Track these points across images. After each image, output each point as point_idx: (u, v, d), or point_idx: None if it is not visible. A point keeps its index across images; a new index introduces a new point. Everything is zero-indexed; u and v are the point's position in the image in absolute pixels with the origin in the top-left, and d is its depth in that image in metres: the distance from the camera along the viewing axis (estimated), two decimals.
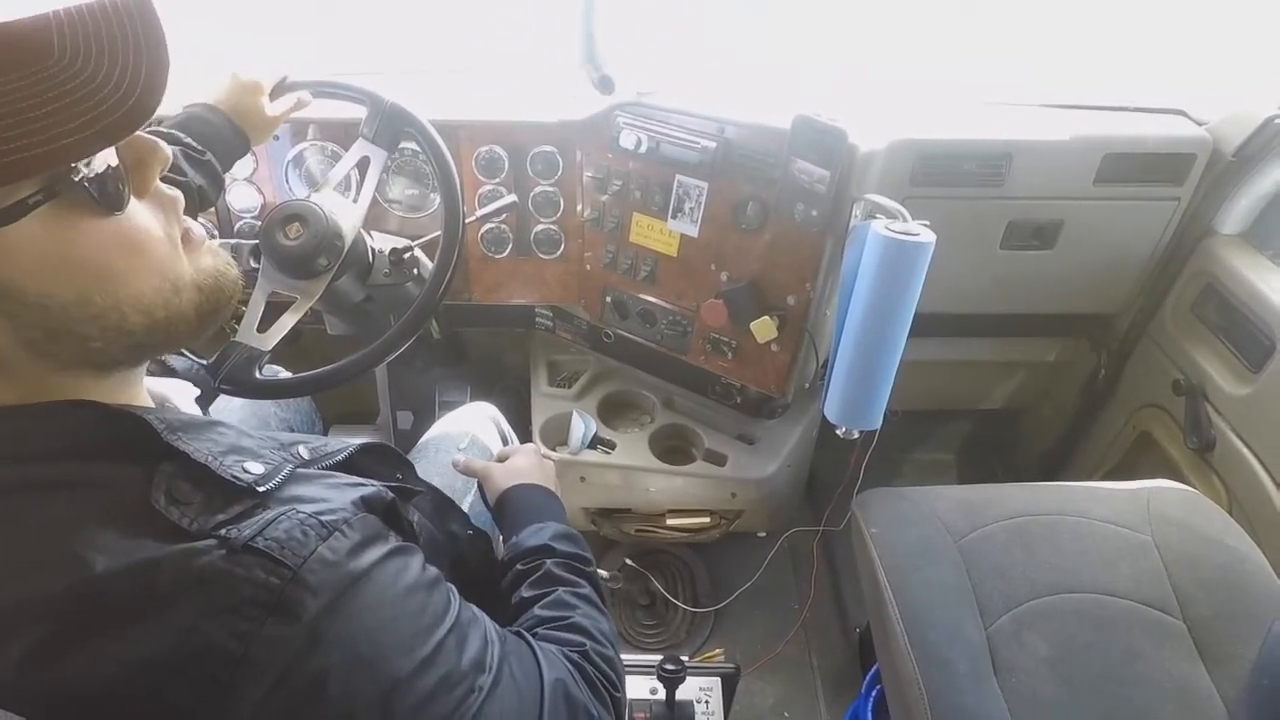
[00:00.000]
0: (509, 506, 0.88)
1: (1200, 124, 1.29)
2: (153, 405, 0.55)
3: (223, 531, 0.45)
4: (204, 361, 0.96)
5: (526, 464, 0.94)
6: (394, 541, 0.54)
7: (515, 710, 0.55)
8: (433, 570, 0.56)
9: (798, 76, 1.47)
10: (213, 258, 0.54)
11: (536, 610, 0.71)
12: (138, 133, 0.44)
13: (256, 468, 0.50)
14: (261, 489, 0.49)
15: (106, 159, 0.45)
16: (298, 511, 0.48)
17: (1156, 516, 1.09)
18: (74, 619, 0.43)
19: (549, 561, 0.77)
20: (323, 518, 0.48)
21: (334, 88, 1.05)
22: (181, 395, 0.65)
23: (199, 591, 0.43)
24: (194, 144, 0.94)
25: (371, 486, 0.56)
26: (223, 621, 0.43)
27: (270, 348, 0.96)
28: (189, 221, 0.53)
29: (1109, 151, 1.23)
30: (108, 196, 0.45)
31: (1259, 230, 1.31)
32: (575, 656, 0.65)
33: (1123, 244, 1.36)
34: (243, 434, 0.54)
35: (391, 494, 0.57)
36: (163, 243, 0.50)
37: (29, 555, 0.44)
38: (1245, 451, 1.24)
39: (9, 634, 0.42)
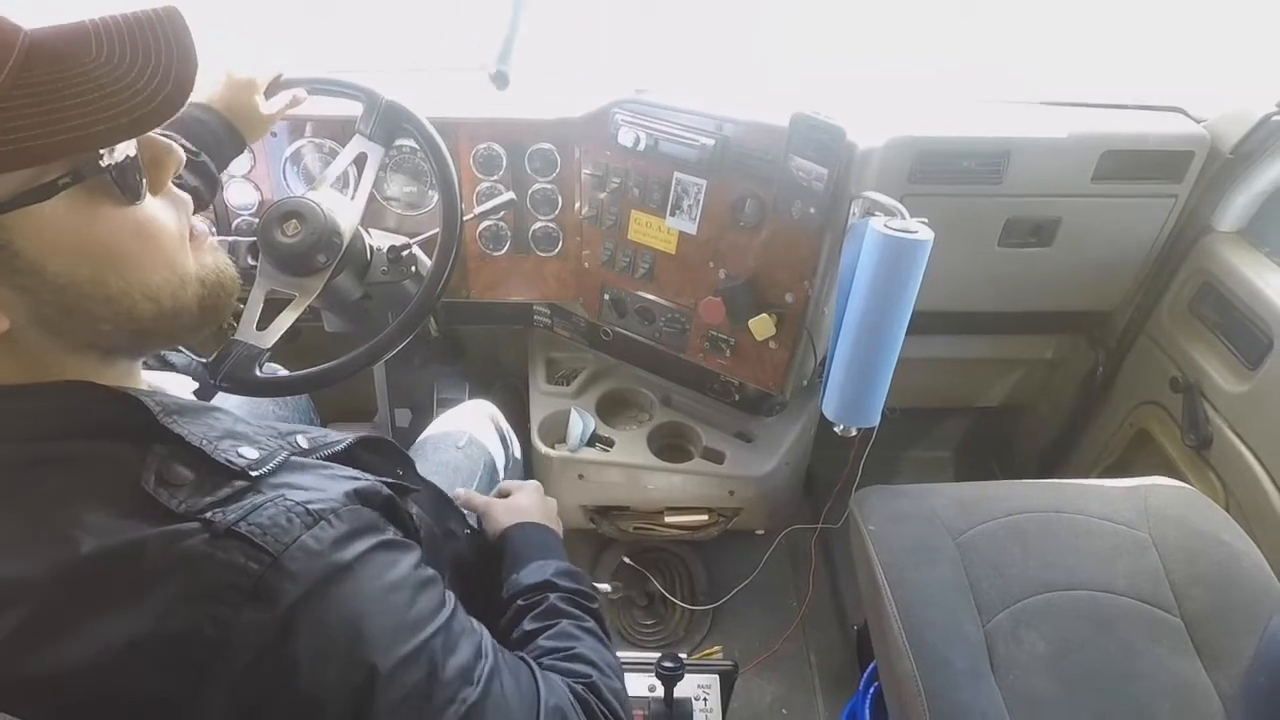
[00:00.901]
0: (510, 545, 0.85)
1: (1198, 121, 1.29)
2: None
3: (208, 514, 0.46)
4: (203, 359, 0.96)
5: (528, 502, 0.92)
6: (388, 535, 0.53)
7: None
8: (429, 571, 0.56)
9: (796, 74, 1.47)
10: (214, 255, 0.57)
11: (540, 641, 0.70)
12: (154, 135, 0.49)
13: (251, 453, 0.51)
14: (254, 473, 0.49)
15: (127, 150, 0.48)
16: (286, 499, 0.48)
17: (1154, 514, 1.09)
18: (58, 601, 0.43)
19: (552, 596, 0.75)
20: (310, 506, 0.49)
21: (330, 84, 1.05)
22: (179, 387, 0.65)
23: (181, 574, 0.44)
24: (189, 145, 0.93)
25: (367, 480, 0.56)
26: (201, 606, 0.44)
27: (270, 345, 0.96)
28: (194, 220, 0.56)
29: (1107, 149, 1.23)
30: (128, 186, 0.48)
31: (1257, 227, 1.31)
32: (580, 688, 0.64)
33: (1121, 241, 1.36)
34: (239, 420, 0.55)
35: (388, 489, 0.57)
36: (173, 237, 0.53)
37: (17, 534, 0.45)
38: (1242, 449, 1.24)
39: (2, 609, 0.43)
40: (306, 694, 0.46)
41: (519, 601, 0.75)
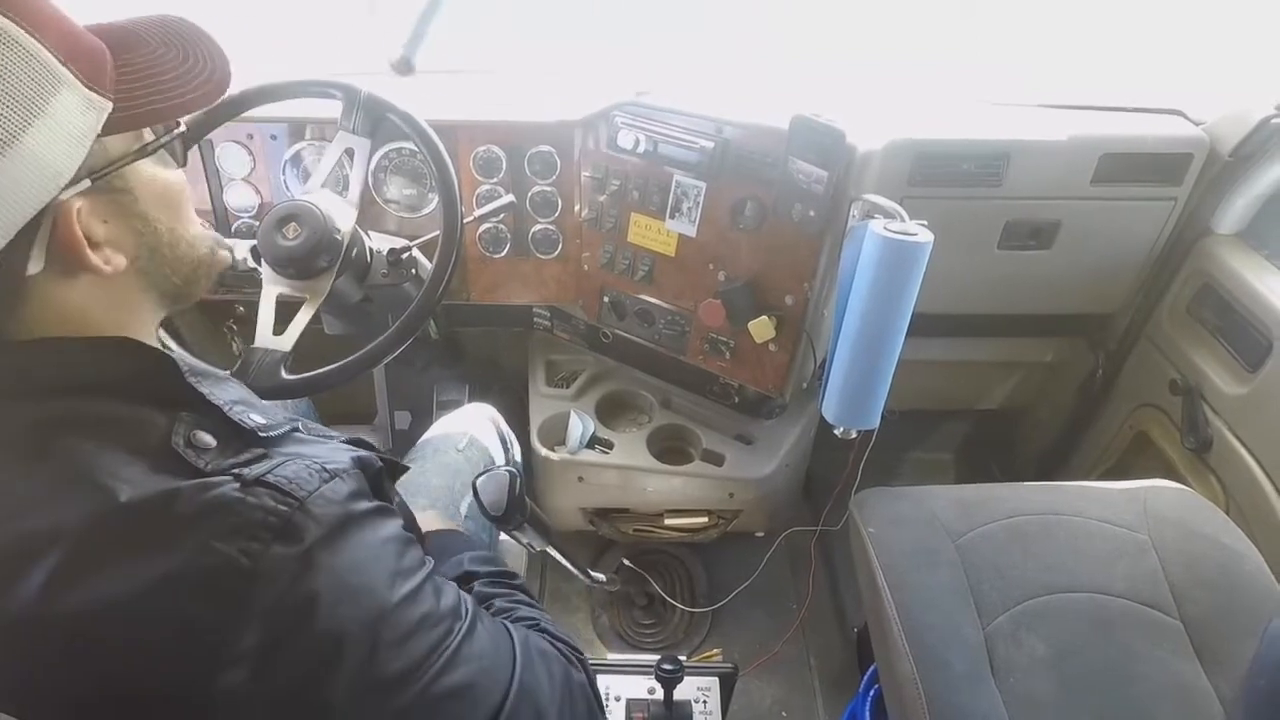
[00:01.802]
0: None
1: (1197, 124, 1.29)
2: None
3: (235, 470, 0.51)
4: (226, 371, 0.96)
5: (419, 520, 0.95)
6: (380, 501, 0.59)
7: (491, 654, 0.60)
8: (410, 535, 0.60)
9: (795, 76, 1.47)
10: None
11: None
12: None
13: (259, 418, 0.57)
14: (263, 435, 0.56)
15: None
16: (302, 457, 0.55)
17: (1154, 516, 1.09)
18: (97, 542, 0.47)
19: (476, 584, 0.81)
20: (326, 465, 0.55)
21: (307, 85, 1.05)
22: None
23: (215, 516, 0.49)
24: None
25: (365, 452, 0.62)
26: (234, 541, 0.48)
27: (289, 348, 0.97)
28: None
29: (1106, 151, 1.23)
30: (179, 151, 0.63)
31: (1256, 230, 1.31)
32: (533, 627, 0.72)
33: (1120, 244, 1.36)
34: (247, 391, 0.62)
35: (381, 463, 0.63)
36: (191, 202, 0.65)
37: (50, 487, 0.49)
38: (1242, 451, 1.24)
39: (33, 559, 0.46)
40: (326, 626, 0.50)
41: None
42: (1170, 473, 1.36)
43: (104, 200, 0.54)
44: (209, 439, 0.53)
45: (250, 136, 1.25)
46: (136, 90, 0.54)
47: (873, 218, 0.96)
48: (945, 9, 1.63)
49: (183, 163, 0.63)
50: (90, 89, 0.51)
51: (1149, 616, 0.98)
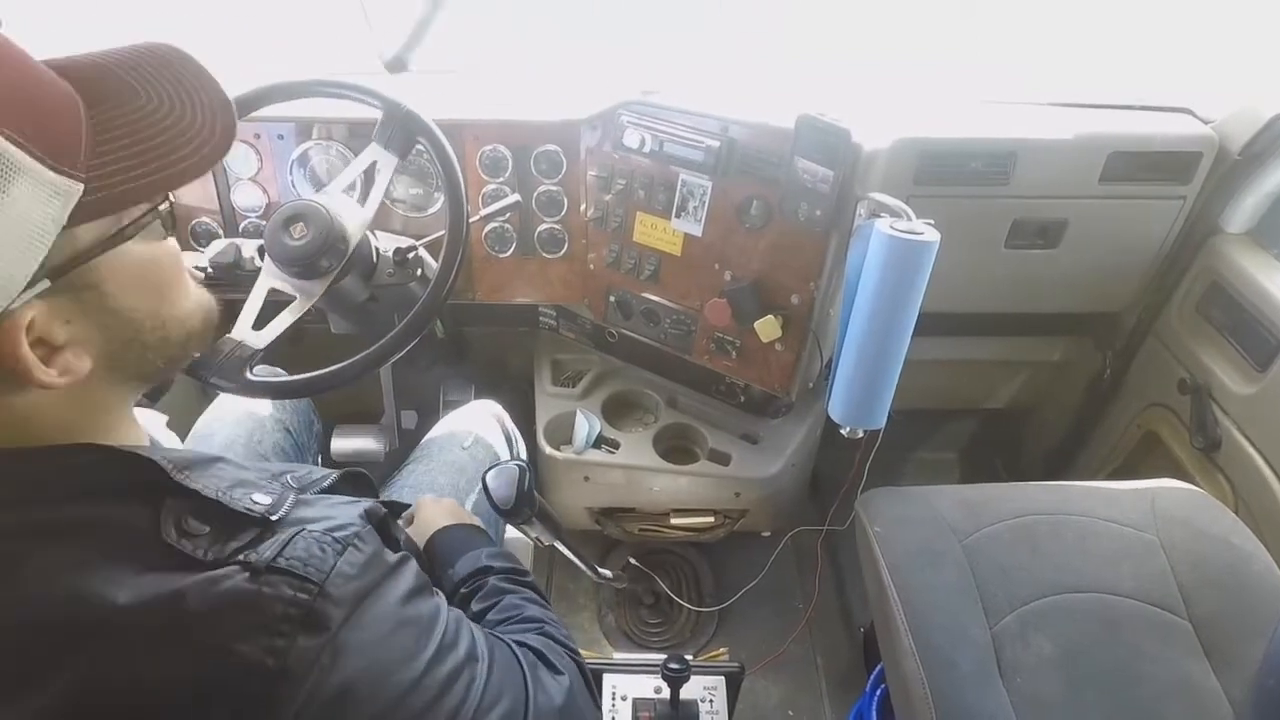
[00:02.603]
0: (437, 550, 0.88)
1: (1206, 122, 1.28)
2: (146, 438, 0.57)
3: (241, 557, 0.47)
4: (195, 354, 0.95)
5: (430, 514, 0.94)
6: (394, 550, 0.56)
7: (512, 684, 0.60)
8: (423, 575, 0.59)
9: (801, 75, 1.47)
10: (198, 286, 0.59)
11: (490, 616, 0.76)
12: None
13: (264, 499, 0.51)
14: (274, 517, 0.50)
15: None
16: (310, 531, 0.50)
17: (1162, 516, 1.08)
18: (106, 650, 0.43)
19: (491, 578, 0.81)
20: (335, 534, 0.51)
21: (350, 90, 1.04)
22: (156, 426, 0.66)
23: (230, 614, 0.44)
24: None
25: (369, 501, 0.58)
26: (257, 641, 0.44)
27: (263, 346, 0.95)
28: None
29: (1114, 150, 1.23)
30: (169, 219, 0.51)
31: (1266, 229, 1.30)
32: (536, 631, 0.72)
33: (1128, 243, 1.35)
34: (240, 467, 0.55)
35: (385, 509, 0.59)
36: (185, 267, 0.56)
37: (20, 607, 0.43)
38: (1251, 451, 1.23)
39: (45, 670, 0.42)
40: (366, 707, 0.48)
41: (462, 590, 0.81)
42: (1178, 472, 1.35)
43: (66, 300, 0.44)
44: (202, 525, 0.48)
45: (258, 136, 1.26)
46: (117, 159, 0.44)
47: (879, 217, 0.96)
48: (950, 7, 1.63)
49: (172, 229, 0.52)
50: (55, 170, 0.40)
51: (1157, 617, 0.98)
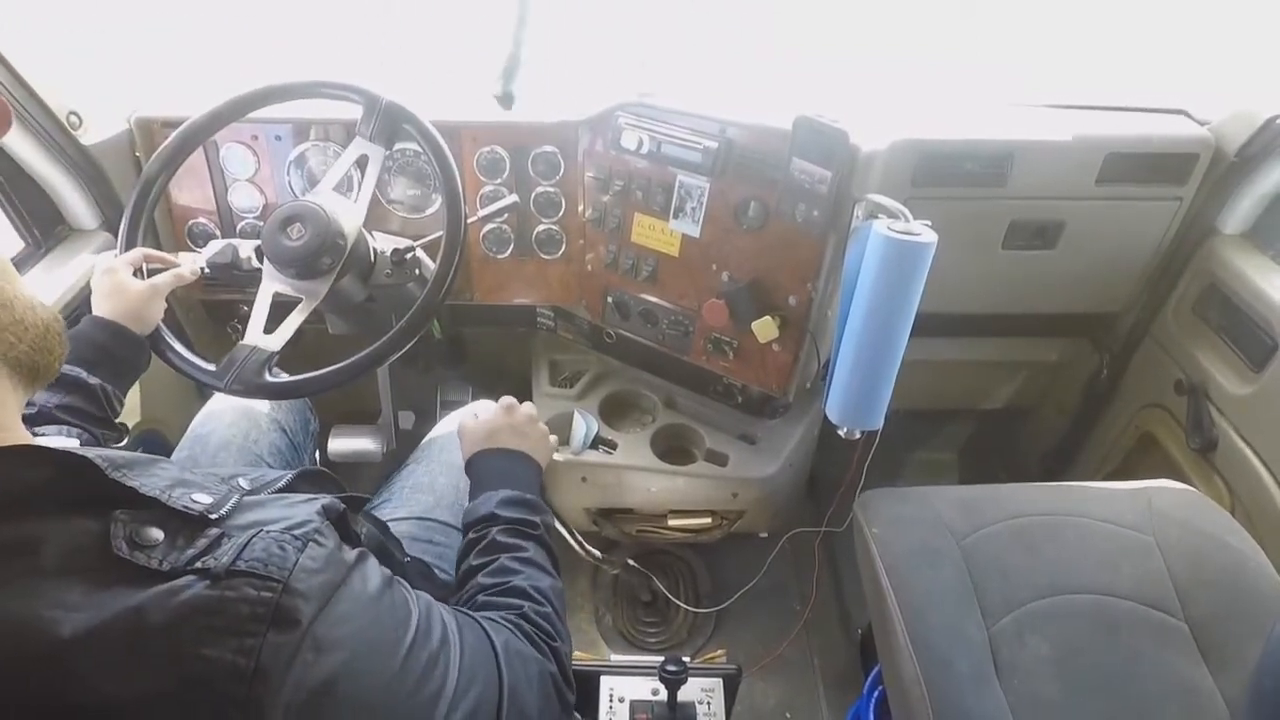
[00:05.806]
0: (472, 474, 0.92)
1: (1202, 124, 1.28)
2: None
3: (199, 564, 0.46)
4: (212, 366, 0.97)
5: (481, 429, 0.94)
6: (352, 546, 0.56)
7: (484, 668, 0.61)
8: (385, 569, 0.59)
9: (798, 76, 1.47)
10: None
11: (480, 578, 0.76)
12: None
13: (204, 498, 0.50)
14: (213, 516, 0.49)
15: None
16: (268, 531, 0.49)
17: (1158, 517, 1.09)
18: (64, 679, 0.41)
19: (494, 530, 0.80)
20: (294, 532, 0.50)
21: (329, 87, 1.05)
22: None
23: (193, 623, 0.44)
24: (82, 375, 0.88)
25: (326, 497, 0.57)
26: (225, 644, 0.44)
27: (279, 348, 0.97)
28: None
29: (1111, 151, 1.23)
30: None
31: (1261, 230, 1.31)
32: (513, 618, 0.71)
33: (1125, 244, 1.36)
34: (183, 469, 0.54)
35: (343, 504, 0.59)
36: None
37: None
38: (1247, 452, 1.24)
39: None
40: (352, 699, 0.48)
41: (470, 534, 0.81)
42: (1175, 473, 1.35)
43: None
44: (155, 533, 0.46)
45: (255, 137, 1.26)
46: None
47: (876, 218, 0.96)
48: (949, 8, 1.63)
49: None
50: None
51: (1154, 618, 0.98)
